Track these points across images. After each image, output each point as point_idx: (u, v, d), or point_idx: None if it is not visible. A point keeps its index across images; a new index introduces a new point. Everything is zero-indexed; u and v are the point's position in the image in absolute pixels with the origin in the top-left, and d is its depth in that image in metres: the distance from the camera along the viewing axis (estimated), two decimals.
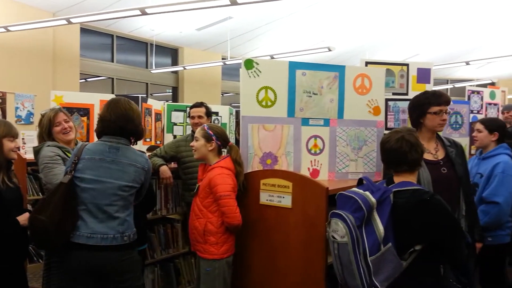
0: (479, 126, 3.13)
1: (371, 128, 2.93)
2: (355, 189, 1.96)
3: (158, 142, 4.95)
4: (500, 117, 5.73)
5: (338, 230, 1.85)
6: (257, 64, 2.69)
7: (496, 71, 13.92)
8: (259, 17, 8.85)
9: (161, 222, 3.36)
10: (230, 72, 12.15)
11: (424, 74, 3.87)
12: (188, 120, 4.38)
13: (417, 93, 3.86)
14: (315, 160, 2.83)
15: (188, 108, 3.93)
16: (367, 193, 1.88)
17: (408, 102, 3.79)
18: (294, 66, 2.74)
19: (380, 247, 1.83)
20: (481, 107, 6.27)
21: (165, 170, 3.17)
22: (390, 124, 3.84)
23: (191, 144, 2.64)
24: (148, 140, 4.52)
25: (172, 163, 3.49)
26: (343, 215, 1.84)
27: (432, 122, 2.45)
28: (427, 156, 2.34)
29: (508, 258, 3.41)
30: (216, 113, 5.83)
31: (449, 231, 1.91)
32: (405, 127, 2.12)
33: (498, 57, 9.00)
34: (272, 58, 8.26)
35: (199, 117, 3.47)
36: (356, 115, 2.89)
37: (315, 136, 2.82)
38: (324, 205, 2.29)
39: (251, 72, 2.68)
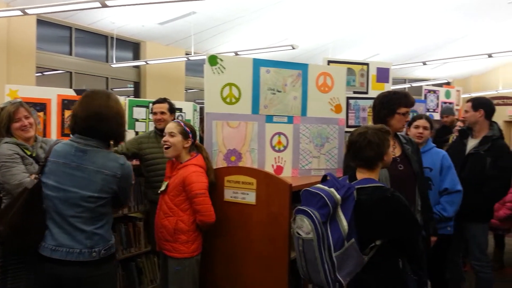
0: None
1: (333, 125, 3.00)
2: (320, 185, 1.97)
3: None
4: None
5: (303, 226, 1.85)
6: (222, 60, 2.68)
7: (451, 71, 14.57)
8: (223, 13, 8.81)
9: (122, 220, 3.28)
10: (194, 67, 12.01)
11: (383, 74, 4.00)
12: (150, 116, 4.30)
13: (377, 92, 4.01)
14: (279, 157, 2.86)
15: (151, 104, 3.86)
16: (332, 189, 1.89)
17: (368, 101, 3.94)
18: (258, 64, 2.75)
19: (344, 243, 1.86)
20: (437, 106, 6.55)
21: None
22: (351, 122, 3.94)
23: (165, 139, 2.49)
24: None
25: (134, 160, 3.42)
26: (309, 211, 1.85)
27: (398, 122, 2.54)
28: None
29: (462, 251, 3.61)
30: (180, 109, 5.76)
31: (408, 227, 1.98)
32: (379, 126, 2.13)
33: (453, 58, 9.41)
34: (237, 54, 8.24)
35: (162, 113, 3.41)
36: (319, 113, 2.94)
37: (279, 133, 2.85)
38: (287, 202, 2.32)
39: (215, 69, 2.67)
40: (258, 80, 2.75)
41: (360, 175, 2.05)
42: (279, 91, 2.82)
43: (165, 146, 2.48)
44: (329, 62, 3.84)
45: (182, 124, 2.52)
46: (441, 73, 14.67)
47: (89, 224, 1.88)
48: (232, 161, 2.70)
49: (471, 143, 3.32)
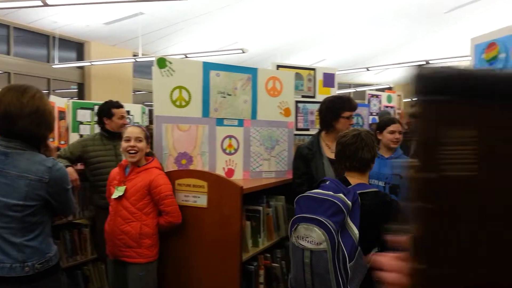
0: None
1: (283, 128, 3.07)
2: (321, 191, 1.84)
3: (63, 143, 4.62)
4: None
5: (313, 236, 1.71)
6: (170, 63, 2.66)
7: (393, 76, 15.35)
8: (172, 14, 8.70)
9: (67, 227, 3.15)
10: (142, 69, 11.74)
11: (329, 79, 4.14)
12: (95, 118, 4.16)
13: (324, 96, 4.16)
14: (230, 159, 2.88)
15: (96, 106, 3.73)
16: (341, 195, 1.77)
17: (316, 105, 4.06)
18: (208, 67, 2.76)
19: (356, 252, 1.77)
20: (380, 110, 6.88)
21: (71, 172, 2.98)
22: (300, 125, 4.05)
23: (132, 144, 2.38)
24: (51, 140, 4.21)
25: (79, 164, 3.29)
26: (321, 220, 1.70)
27: (343, 125, 2.65)
28: (331, 155, 2.52)
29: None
30: (128, 112, 5.61)
31: None
32: (366, 129, 2.13)
33: (394, 64, 9.93)
34: (186, 57, 8.17)
35: (123, 117, 3.35)
36: (269, 116, 3.00)
37: (230, 136, 2.87)
38: (239, 204, 2.34)
39: (164, 71, 2.64)
40: (208, 84, 2.76)
41: (354, 179, 1.98)
42: (229, 95, 2.84)
43: (132, 151, 2.39)
44: (278, 66, 3.93)
45: (144, 128, 2.49)
46: (384, 78, 15.41)
47: (19, 235, 1.67)
48: (183, 164, 2.68)
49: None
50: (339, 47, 11.67)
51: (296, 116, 4.02)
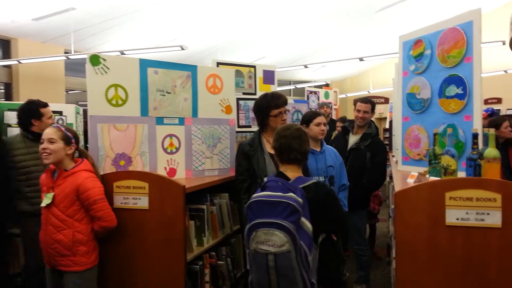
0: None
1: (224, 126, 3.06)
2: (271, 193, 1.85)
3: None
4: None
5: (274, 240, 1.73)
6: (104, 60, 2.54)
7: (330, 73, 15.88)
8: (106, 10, 8.33)
9: None
10: (75, 67, 11.14)
11: (269, 76, 4.20)
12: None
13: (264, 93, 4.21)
14: (171, 159, 2.82)
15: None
16: (291, 194, 1.81)
17: None
18: (145, 64, 2.68)
19: (312, 244, 1.84)
20: (318, 106, 7.10)
21: None
22: (242, 122, 4.07)
23: (43, 146, 2.24)
24: None
25: None
26: (280, 223, 1.72)
27: (275, 123, 2.70)
28: (272, 150, 2.55)
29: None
30: (60, 113, 5.31)
31: (342, 216, 2.10)
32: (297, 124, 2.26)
33: (330, 62, 10.26)
34: (123, 54, 7.87)
35: (51, 117, 3.15)
36: (210, 114, 2.97)
37: (171, 135, 2.81)
38: (181, 204, 2.30)
39: (98, 69, 2.53)
40: (146, 81, 2.68)
41: (292, 173, 2.03)
42: (168, 93, 2.77)
43: (44, 153, 2.24)
44: (218, 64, 3.91)
45: (63, 129, 2.31)
46: (321, 75, 15.90)
47: None
48: (121, 166, 2.58)
49: (352, 139, 3.68)
50: (279, 45, 11.86)
51: (238, 113, 4.03)
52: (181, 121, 2.84)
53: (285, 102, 2.74)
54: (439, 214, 1.88)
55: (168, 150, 2.80)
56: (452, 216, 1.86)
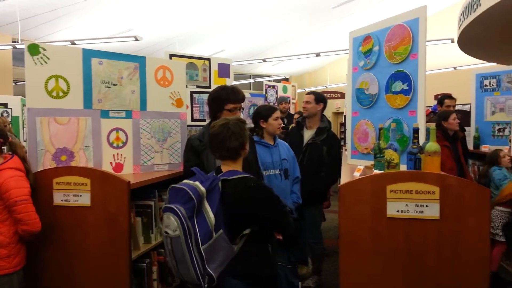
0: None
1: (175, 119, 2.98)
2: (186, 181, 1.93)
3: None
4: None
5: (170, 224, 1.80)
6: (44, 50, 2.41)
7: (289, 68, 16.01)
8: None
9: None
10: (24, 57, 10.55)
11: (224, 69, 4.15)
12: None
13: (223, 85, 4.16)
14: (118, 154, 2.72)
15: None
16: (197, 183, 1.87)
17: None
18: (89, 54, 2.56)
19: (212, 235, 1.85)
20: (276, 100, 7.13)
21: None
22: (196, 116, 4.00)
23: None
24: None
25: None
26: (174, 208, 1.80)
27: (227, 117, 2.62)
28: None
29: None
30: (5, 105, 5.02)
31: (274, 213, 2.03)
32: (237, 117, 2.19)
33: (288, 56, 10.32)
34: (73, 44, 7.53)
35: None
36: (160, 107, 2.89)
37: (117, 129, 2.71)
38: (126, 200, 2.22)
39: (37, 59, 2.39)
40: (89, 72, 2.56)
41: (225, 167, 2.05)
42: (114, 84, 2.67)
43: None
44: (171, 56, 3.81)
45: None
46: (281, 70, 16.00)
47: None
48: (62, 161, 2.46)
49: (308, 134, 3.70)
50: (238, 39, 11.79)
51: (192, 107, 3.96)
52: (129, 114, 2.74)
53: (242, 99, 2.68)
54: (380, 206, 1.93)
55: (114, 145, 2.70)
56: (393, 209, 1.91)
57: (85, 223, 2.24)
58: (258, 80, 14.89)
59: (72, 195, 2.23)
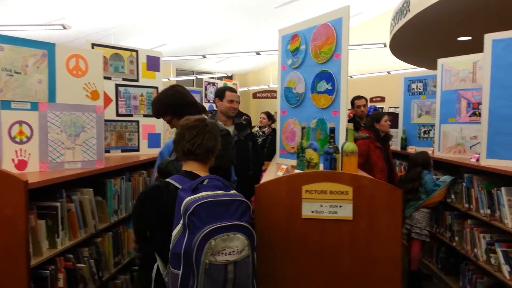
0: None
1: (90, 113, 2.76)
2: (210, 192, 1.55)
3: None
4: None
5: (235, 245, 1.46)
6: None
7: (233, 66, 15.92)
8: None
9: None
10: None
11: (153, 62, 3.96)
12: None
13: (148, 80, 3.95)
14: (21, 149, 2.45)
15: None
16: (234, 191, 1.63)
17: (139, 89, 3.83)
18: None
19: None
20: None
21: None
22: (122, 110, 3.77)
23: None
24: None
25: None
26: (241, 224, 1.49)
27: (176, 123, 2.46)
28: None
29: None
30: None
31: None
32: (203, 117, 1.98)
33: (228, 54, 10.25)
34: None
35: None
36: (71, 99, 2.65)
37: (21, 122, 2.44)
38: (23, 201, 1.99)
39: None
40: None
41: (202, 172, 1.77)
42: (18, 73, 2.40)
43: None
44: (94, 45, 3.57)
45: None
46: (225, 67, 15.87)
47: None
48: None
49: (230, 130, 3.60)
50: (180, 34, 11.50)
51: (117, 101, 3.73)
52: (34, 106, 2.49)
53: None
54: (296, 207, 1.88)
55: (17, 139, 2.43)
56: (308, 209, 1.87)
57: None
58: (199, 76, 14.67)
59: None
